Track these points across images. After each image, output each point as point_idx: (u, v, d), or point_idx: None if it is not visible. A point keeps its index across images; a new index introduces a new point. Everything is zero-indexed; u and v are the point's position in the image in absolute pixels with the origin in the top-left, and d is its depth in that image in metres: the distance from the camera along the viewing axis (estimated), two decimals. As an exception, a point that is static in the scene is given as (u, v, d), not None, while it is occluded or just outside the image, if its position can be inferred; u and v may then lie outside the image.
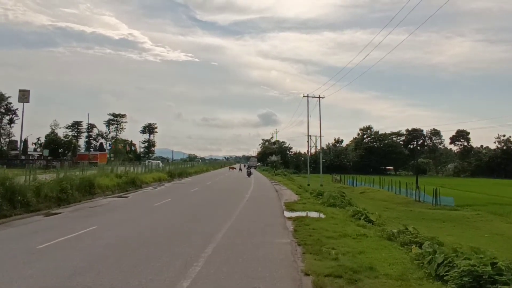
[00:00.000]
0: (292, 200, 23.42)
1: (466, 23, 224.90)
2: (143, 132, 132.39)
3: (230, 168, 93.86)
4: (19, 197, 17.47)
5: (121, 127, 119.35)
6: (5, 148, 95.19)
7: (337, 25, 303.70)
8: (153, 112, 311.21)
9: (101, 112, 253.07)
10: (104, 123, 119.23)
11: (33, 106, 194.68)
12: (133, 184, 32.12)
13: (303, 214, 17.44)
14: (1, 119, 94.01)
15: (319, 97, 64.93)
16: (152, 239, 11.50)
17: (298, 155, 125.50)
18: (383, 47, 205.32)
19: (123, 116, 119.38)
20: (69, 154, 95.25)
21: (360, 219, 15.26)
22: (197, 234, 12.34)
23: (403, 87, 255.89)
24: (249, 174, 56.57)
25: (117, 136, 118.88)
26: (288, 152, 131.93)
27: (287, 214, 17.57)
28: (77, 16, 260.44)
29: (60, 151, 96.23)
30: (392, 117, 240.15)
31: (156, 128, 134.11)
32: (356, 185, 62.33)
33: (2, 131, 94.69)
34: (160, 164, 70.04)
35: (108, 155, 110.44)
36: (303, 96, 65.11)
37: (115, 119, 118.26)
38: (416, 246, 9.76)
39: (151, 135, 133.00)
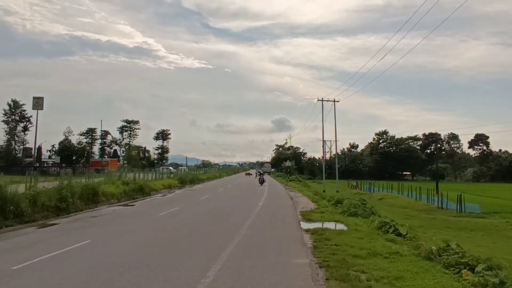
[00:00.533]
0: (309, 209, 21.52)
1: (482, 27, 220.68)
2: (156, 138, 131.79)
3: (246, 174, 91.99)
4: (12, 207, 16.00)
5: (134, 133, 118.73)
6: (19, 155, 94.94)
7: (350, 30, 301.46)
8: (167, 118, 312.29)
9: (116, 119, 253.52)
10: (118, 130, 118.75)
11: (50, 114, 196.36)
12: (141, 191, 30.57)
13: (322, 225, 15.56)
14: (15, 127, 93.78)
15: (334, 101, 62.94)
16: (147, 258, 9.74)
17: (312, 160, 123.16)
18: (396, 52, 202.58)
19: (136, 122, 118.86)
20: (82, 161, 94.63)
21: (388, 231, 13.28)
22: (200, 252, 10.51)
23: (417, 91, 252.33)
24: (261, 181, 50.38)
25: (130, 143, 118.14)
26: (302, 158, 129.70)
27: (304, 225, 15.69)
28: (93, 25, 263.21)
29: (74, 158, 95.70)
30: (407, 122, 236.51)
31: (169, 134, 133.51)
32: (373, 191, 60.06)
33: (16, 138, 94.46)
34: (172, 170, 68.78)
35: (121, 162, 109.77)
36: (318, 100, 63.19)
37: (128, 125, 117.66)
38: (467, 270, 7.84)
39: (165, 141, 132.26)
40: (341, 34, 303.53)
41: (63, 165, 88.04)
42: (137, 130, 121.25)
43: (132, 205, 24.40)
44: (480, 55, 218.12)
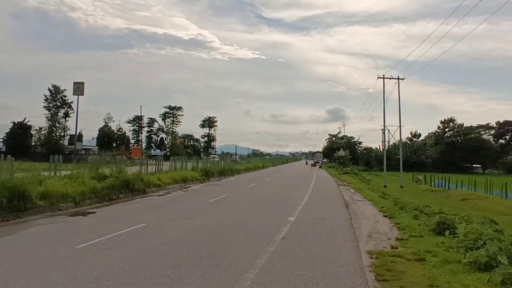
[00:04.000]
0: (387, 243, 10.14)
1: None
2: (202, 126, 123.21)
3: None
4: None
5: (177, 120, 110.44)
6: (62, 142, 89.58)
7: (407, 16, 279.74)
8: (221, 109, 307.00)
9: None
10: (160, 116, 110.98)
11: (108, 106, 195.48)
12: (127, 188, 20.58)
13: None
14: (56, 113, 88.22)
15: (398, 78, 50.59)
16: None
17: (368, 150, 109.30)
18: (458, 38, 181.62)
19: (179, 108, 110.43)
20: (122, 147, 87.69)
21: None
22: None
23: (481, 80, 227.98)
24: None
25: (173, 130, 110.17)
26: (357, 147, 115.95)
27: None
28: (150, 19, 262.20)
29: (113, 144, 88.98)
30: (470, 112, 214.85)
31: (216, 121, 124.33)
32: (447, 187, 47.07)
33: (58, 124, 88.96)
34: (216, 159, 60.00)
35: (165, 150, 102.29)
36: (378, 78, 50.96)
37: (171, 111, 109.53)
38: None
39: (211, 129, 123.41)
40: (398, 21, 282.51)
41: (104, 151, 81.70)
42: (180, 117, 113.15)
43: (91, 213, 14.32)
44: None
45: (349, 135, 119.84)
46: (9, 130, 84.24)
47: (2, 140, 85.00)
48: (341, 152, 60.25)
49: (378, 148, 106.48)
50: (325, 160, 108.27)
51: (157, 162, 31.92)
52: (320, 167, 75.46)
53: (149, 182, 23.52)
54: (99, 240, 9.97)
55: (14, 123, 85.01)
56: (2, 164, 16.29)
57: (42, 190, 15.23)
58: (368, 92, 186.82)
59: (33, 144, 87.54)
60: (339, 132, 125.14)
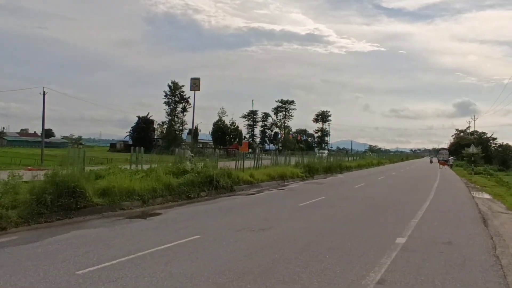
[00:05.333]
0: None
1: None
2: (316, 120, 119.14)
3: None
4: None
5: (290, 114, 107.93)
6: (181, 135, 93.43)
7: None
8: (338, 103, 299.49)
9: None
10: (272, 110, 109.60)
11: (229, 102, 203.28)
12: (210, 184, 18.04)
13: None
14: (175, 108, 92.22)
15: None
16: None
17: (505, 148, 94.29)
18: None
19: (292, 102, 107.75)
20: (236, 141, 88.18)
21: None
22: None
23: None
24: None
25: (285, 124, 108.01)
26: (490, 144, 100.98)
27: None
28: (268, 16, 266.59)
29: (227, 138, 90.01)
30: None
31: (330, 116, 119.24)
32: None
33: (176, 119, 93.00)
34: (325, 154, 56.10)
35: (278, 145, 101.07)
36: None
37: (284, 105, 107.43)
38: None
39: (325, 123, 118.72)
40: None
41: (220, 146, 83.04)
42: (293, 111, 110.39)
43: (151, 218, 11.98)
44: None
45: (480, 130, 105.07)
46: (135, 124, 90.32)
47: (128, 133, 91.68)
48: (472, 149, 51.58)
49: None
50: (451, 158, 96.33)
51: (256, 157, 29.35)
52: (450, 166, 66.60)
53: (238, 178, 20.77)
54: (119, 261, 7.19)
55: (139, 117, 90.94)
56: (75, 152, 14.91)
57: (103, 185, 13.30)
58: (503, 83, 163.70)
59: (155, 137, 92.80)
60: (468, 127, 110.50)
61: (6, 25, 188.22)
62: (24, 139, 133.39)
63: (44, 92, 45.65)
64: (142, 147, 20.22)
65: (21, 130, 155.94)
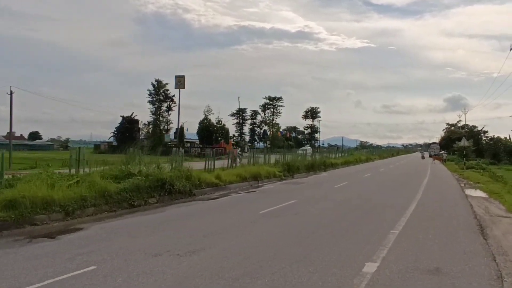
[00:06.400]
0: None
1: None
2: (305, 117, 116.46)
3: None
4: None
5: (277, 111, 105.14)
6: (166, 135, 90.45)
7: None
8: (330, 100, 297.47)
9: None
10: (260, 107, 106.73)
11: (220, 102, 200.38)
12: (163, 189, 15.32)
13: None
14: (160, 107, 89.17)
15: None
16: None
17: (496, 141, 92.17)
18: None
19: (279, 99, 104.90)
20: (222, 140, 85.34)
21: None
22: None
23: None
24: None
25: (273, 121, 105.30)
26: (480, 137, 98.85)
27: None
28: (258, 14, 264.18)
29: (213, 137, 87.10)
30: None
31: (319, 112, 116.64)
32: None
33: (161, 118, 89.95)
34: (309, 151, 53.57)
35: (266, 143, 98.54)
36: (512, 49, 40.05)
37: (271, 102, 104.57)
38: None
39: (314, 120, 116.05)
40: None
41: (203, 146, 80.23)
42: (280, 108, 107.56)
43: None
44: None
45: (470, 124, 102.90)
46: (119, 124, 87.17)
47: (113, 134, 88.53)
48: (463, 142, 49.13)
49: (508, 138, 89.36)
50: (443, 152, 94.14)
51: (230, 156, 26.68)
52: (444, 160, 64.36)
53: (200, 181, 18.06)
54: None
55: (123, 117, 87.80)
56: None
57: (8, 196, 10.57)
58: (492, 77, 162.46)
59: (140, 138, 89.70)
60: (459, 121, 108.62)
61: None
62: (14, 142, 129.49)
63: (11, 91, 42.65)
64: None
65: (7, 133, 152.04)
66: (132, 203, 13.80)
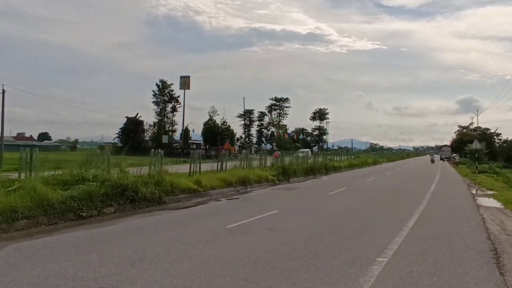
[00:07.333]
0: None
1: None
2: (313, 118, 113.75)
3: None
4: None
5: (284, 112, 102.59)
6: (164, 135, 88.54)
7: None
8: (341, 102, 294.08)
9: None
10: (266, 108, 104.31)
11: (229, 104, 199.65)
12: (123, 197, 13.20)
13: None
14: (164, 108, 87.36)
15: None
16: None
17: (510, 143, 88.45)
18: None
19: (286, 100, 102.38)
20: (227, 141, 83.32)
21: None
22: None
23: None
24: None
25: (279, 122, 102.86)
26: (494, 140, 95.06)
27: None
28: (268, 16, 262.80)
29: (218, 138, 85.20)
30: None
31: (327, 114, 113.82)
32: None
33: (166, 119, 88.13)
34: (310, 154, 51.15)
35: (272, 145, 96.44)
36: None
37: (278, 103, 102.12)
38: None
39: (322, 121, 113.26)
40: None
41: (209, 147, 78.31)
42: (287, 109, 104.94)
43: None
44: None
45: (483, 126, 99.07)
46: (123, 125, 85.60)
47: (117, 135, 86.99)
48: (475, 145, 46.21)
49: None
50: (455, 155, 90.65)
51: (219, 159, 24.49)
52: (456, 163, 61.62)
53: (173, 186, 15.89)
54: None
55: (127, 118, 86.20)
56: None
57: None
58: (505, 79, 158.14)
59: (145, 139, 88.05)
60: (471, 123, 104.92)
61: (6, 30, 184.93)
62: (22, 143, 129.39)
63: (3, 90, 40.89)
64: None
65: (18, 134, 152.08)
66: (81, 213, 11.69)
